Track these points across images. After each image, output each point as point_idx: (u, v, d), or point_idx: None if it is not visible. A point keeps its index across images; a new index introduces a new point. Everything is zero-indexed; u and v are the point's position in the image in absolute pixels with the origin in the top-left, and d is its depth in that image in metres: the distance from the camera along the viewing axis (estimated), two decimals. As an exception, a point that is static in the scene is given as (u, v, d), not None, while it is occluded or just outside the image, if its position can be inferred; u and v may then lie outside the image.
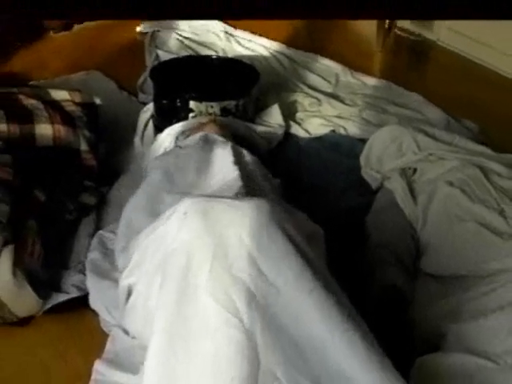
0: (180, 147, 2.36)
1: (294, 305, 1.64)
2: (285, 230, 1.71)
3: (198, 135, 2.41)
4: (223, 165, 2.18)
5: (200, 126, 2.55)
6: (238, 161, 2.19)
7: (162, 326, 1.65)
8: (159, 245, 1.79)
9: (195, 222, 1.70)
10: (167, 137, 2.55)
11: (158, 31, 3.79)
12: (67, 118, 2.53)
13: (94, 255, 2.19)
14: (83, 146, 2.51)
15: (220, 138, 2.37)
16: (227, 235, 1.68)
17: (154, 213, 1.98)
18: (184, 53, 3.47)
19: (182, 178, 2.16)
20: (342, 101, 3.20)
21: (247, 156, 2.27)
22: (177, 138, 2.53)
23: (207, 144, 2.30)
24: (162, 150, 2.51)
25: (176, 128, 2.56)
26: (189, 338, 1.63)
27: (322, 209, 2.35)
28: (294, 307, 1.64)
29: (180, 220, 1.73)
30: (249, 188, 2.06)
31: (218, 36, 3.74)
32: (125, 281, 1.90)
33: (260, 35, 3.73)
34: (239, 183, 2.05)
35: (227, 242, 1.68)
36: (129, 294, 1.91)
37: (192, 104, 2.68)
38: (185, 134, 2.53)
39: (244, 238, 1.68)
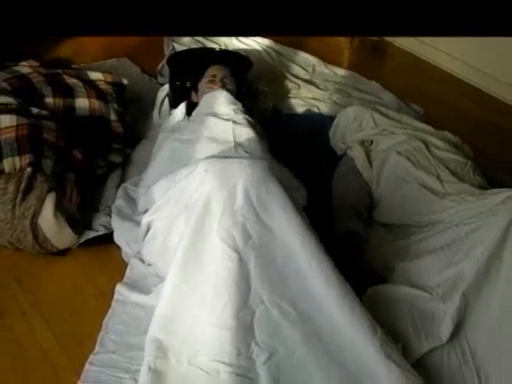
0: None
1: (284, 243, 1.66)
2: (280, 183, 1.72)
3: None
4: (225, 130, 2.13)
5: None
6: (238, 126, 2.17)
7: (180, 257, 1.66)
8: (182, 195, 1.78)
9: (214, 178, 1.71)
10: (179, 111, 2.49)
11: (175, 28, 3.70)
12: (101, 94, 2.50)
13: (118, 202, 2.17)
14: (113, 117, 2.48)
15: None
16: (236, 188, 1.69)
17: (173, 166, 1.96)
18: (194, 45, 3.40)
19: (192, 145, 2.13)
20: (317, 86, 3.16)
21: (247, 122, 2.22)
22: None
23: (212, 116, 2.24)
24: (175, 121, 2.46)
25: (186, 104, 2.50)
26: (198, 267, 1.66)
27: (300, 171, 2.30)
28: (285, 245, 1.66)
29: (201, 176, 1.72)
30: (248, 149, 2.02)
31: (221, 33, 3.68)
32: (147, 218, 1.91)
33: (255, 33, 3.66)
34: (239, 145, 2.04)
35: (236, 193, 1.69)
36: (148, 229, 1.91)
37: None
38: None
39: (248, 189, 1.69)
